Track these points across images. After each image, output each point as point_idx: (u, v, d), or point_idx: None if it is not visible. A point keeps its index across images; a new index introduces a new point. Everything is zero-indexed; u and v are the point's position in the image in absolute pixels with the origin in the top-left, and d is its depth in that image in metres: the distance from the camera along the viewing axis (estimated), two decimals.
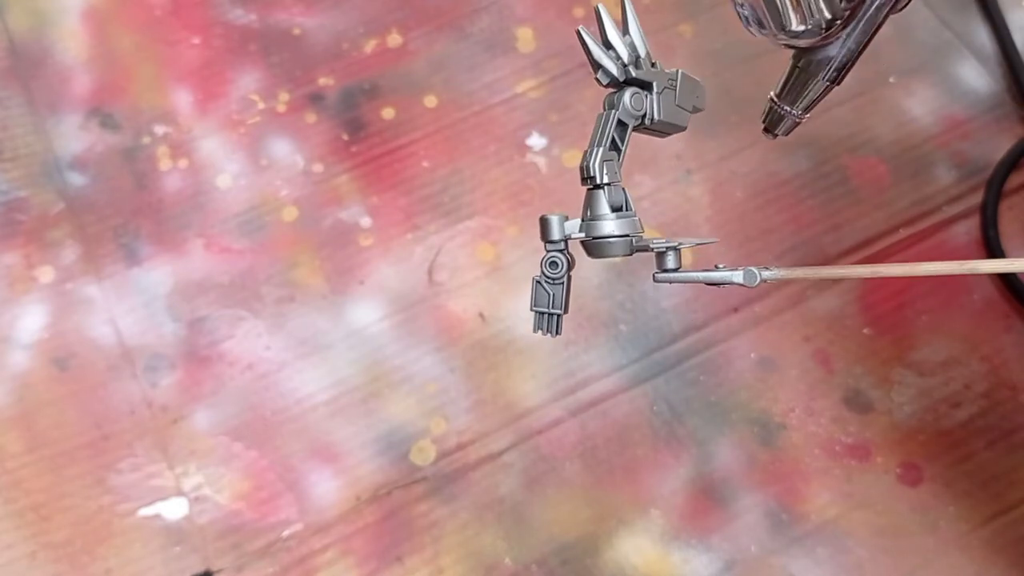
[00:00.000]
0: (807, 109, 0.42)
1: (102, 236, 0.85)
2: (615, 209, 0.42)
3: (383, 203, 0.87)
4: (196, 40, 0.94)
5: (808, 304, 0.82)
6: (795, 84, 0.41)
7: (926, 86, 0.91)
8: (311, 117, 0.90)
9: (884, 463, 0.76)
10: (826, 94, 0.41)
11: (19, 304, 0.82)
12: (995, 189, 0.85)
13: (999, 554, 0.73)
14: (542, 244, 0.44)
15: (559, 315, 0.45)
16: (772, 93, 0.42)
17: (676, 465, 0.76)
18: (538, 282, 0.44)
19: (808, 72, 0.40)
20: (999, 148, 0.87)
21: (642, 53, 0.41)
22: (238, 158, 0.89)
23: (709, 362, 0.80)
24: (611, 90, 0.42)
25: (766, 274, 0.42)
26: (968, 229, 0.85)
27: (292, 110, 0.91)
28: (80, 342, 0.80)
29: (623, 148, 0.42)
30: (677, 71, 0.43)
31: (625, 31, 0.42)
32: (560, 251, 0.44)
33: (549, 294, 0.44)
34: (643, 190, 0.86)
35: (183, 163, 0.88)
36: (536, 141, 0.89)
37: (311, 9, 0.95)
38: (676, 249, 0.43)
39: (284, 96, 0.91)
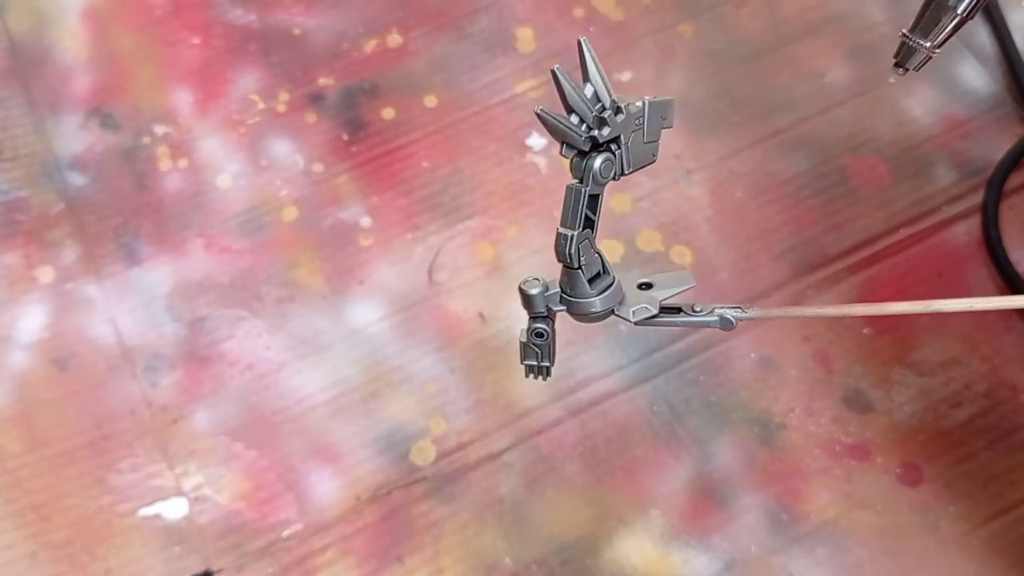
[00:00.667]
0: (939, 44, 0.41)
1: (102, 236, 0.85)
2: (593, 278, 0.42)
3: (383, 203, 0.87)
4: (196, 40, 0.94)
5: (808, 304, 0.82)
6: (929, 18, 0.41)
7: (926, 86, 0.91)
8: (311, 117, 0.90)
9: (884, 463, 0.76)
10: (959, 28, 0.41)
11: (19, 304, 0.82)
12: (995, 189, 0.85)
13: (999, 554, 0.73)
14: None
15: (549, 367, 0.45)
16: (904, 30, 0.42)
17: (676, 465, 0.76)
18: (526, 345, 0.45)
19: (942, 5, 0.40)
20: (999, 148, 0.87)
21: (607, 101, 0.37)
22: (238, 158, 0.89)
23: (709, 362, 0.80)
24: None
25: (740, 315, 0.43)
26: (968, 229, 0.85)
27: (292, 110, 0.91)
28: (80, 342, 0.80)
29: (596, 218, 0.40)
30: (644, 103, 0.38)
31: (585, 78, 0.37)
32: (544, 318, 0.43)
33: (537, 352, 0.45)
34: (643, 190, 0.86)
35: (183, 163, 0.88)
36: (536, 141, 0.89)
37: (311, 9, 0.95)
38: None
39: (284, 96, 0.91)
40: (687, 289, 0.44)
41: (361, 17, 0.95)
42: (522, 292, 0.42)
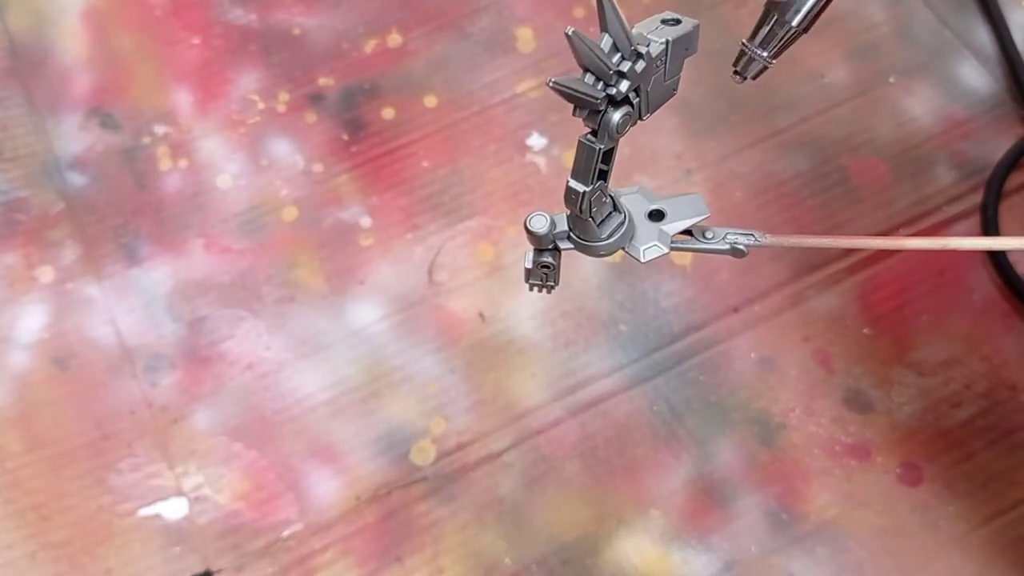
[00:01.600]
0: (776, 55, 0.41)
1: (102, 236, 0.85)
2: (603, 220, 0.41)
3: (383, 203, 0.87)
4: (196, 40, 0.94)
5: (808, 304, 0.82)
6: (766, 29, 0.41)
7: (926, 86, 0.91)
8: (311, 117, 0.90)
9: (884, 463, 0.76)
10: (794, 40, 0.41)
11: (19, 304, 0.82)
12: (995, 189, 0.85)
13: (999, 554, 0.73)
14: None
15: (553, 285, 0.45)
16: (744, 40, 0.42)
17: (676, 465, 0.76)
18: (531, 271, 0.44)
19: (777, 17, 0.40)
20: (999, 148, 0.87)
21: (626, 51, 0.34)
22: (238, 158, 0.89)
23: (709, 362, 0.80)
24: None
25: (752, 242, 0.42)
26: (968, 229, 0.85)
27: (292, 110, 0.91)
28: (80, 342, 0.80)
29: (610, 169, 0.38)
30: (667, 43, 0.35)
31: (603, 27, 0.33)
32: (551, 251, 0.43)
33: (543, 275, 0.44)
34: None
35: (183, 163, 0.88)
36: (536, 141, 0.89)
37: (311, 9, 0.95)
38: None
39: (284, 96, 0.91)
40: (701, 219, 0.42)
41: (361, 17, 0.95)
42: (528, 230, 0.41)
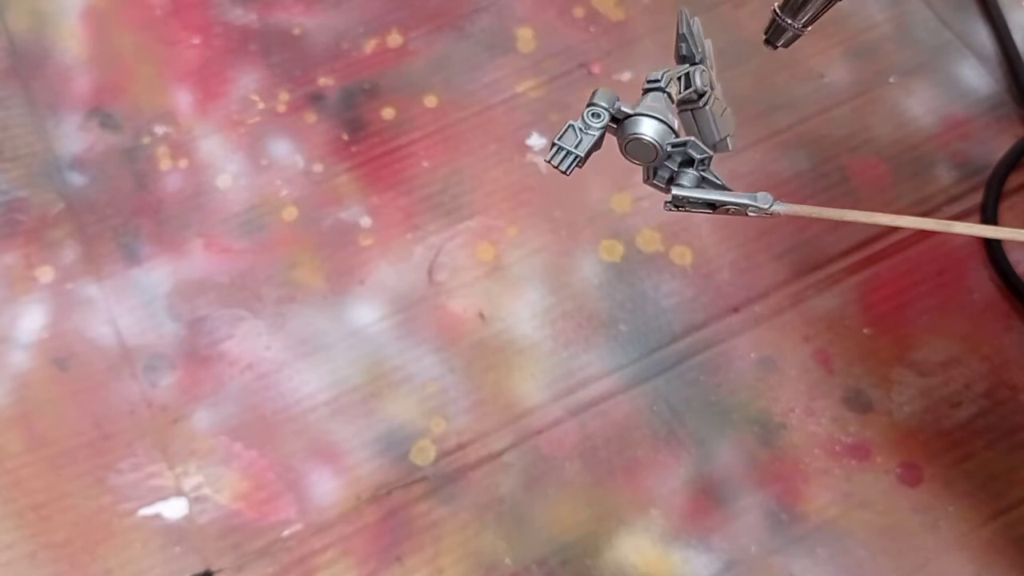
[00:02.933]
0: (807, 24, 0.41)
1: (102, 236, 0.85)
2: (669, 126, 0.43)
3: (383, 203, 0.87)
4: (196, 40, 0.94)
5: (808, 304, 0.82)
6: None
7: (926, 86, 0.91)
8: (311, 117, 0.90)
9: (884, 463, 0.76)
10: (827, 9, 0.41)
11: (19, 304, 0.82)
12: (995, 189, 0.85)
13: (999, 554, 0.73)
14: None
15: (578, 157, 0.43)
16: (775, 5, 0.42)
17: (676, 465, 0.76)
18: (573, 125, 0.43)
19: None
20: (999, 148, 0.87)
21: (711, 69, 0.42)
22: (238, 158, 0.89)
23: (709, 362, 0.80)
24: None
25: (777, 207, 0.43)
26: None
27: (292, 110, 0.91)
28: (80, 342, 0.80)
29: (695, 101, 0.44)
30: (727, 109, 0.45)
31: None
32: (605, 109, 0.43)
33: (578, 137, 0.43)
34: (643, 190, 0.86)
35: (183, 163, 0.88)
36: (536, 141, 0.89)
37: (311, 9, 0.95)
38: (692, 161, 0.45)
39: (284, 96, 0.91)
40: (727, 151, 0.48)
41: (361, 17, 0.95)
42: (595, 92, 0.43)
